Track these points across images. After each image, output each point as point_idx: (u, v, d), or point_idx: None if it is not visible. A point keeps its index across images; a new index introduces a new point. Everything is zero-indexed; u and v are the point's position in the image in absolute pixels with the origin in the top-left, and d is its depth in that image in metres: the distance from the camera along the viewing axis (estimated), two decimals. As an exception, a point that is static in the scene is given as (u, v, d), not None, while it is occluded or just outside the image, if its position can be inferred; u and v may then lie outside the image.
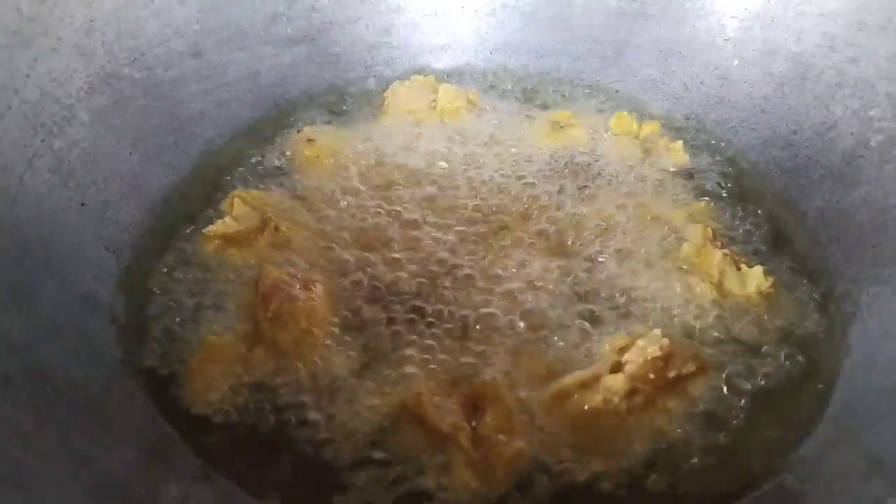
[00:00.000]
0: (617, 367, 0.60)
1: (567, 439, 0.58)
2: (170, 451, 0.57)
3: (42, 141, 0.69)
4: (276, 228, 0.71)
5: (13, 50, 0.68)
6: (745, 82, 0.89)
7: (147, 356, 0.63)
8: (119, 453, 0.54)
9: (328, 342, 0.63)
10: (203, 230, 0.72)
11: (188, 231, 0.74)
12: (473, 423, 0.58)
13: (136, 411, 0.59)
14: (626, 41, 0.97)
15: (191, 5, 0.87)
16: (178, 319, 0.66)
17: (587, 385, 0.60)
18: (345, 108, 0.93)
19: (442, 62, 1.01)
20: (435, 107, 0.90)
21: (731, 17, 0.91)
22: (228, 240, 0.71)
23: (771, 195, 0.82)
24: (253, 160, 0.84)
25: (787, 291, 0.70)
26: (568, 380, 0.60)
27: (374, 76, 0.98)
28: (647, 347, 0.60)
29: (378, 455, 0.57)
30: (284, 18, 0.94)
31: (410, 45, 1.00)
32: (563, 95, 0.96)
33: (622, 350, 0.61)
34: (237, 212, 0.73)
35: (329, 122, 0.90)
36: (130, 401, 0.60)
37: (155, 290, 0.69)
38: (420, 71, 0.98)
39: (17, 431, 0.48)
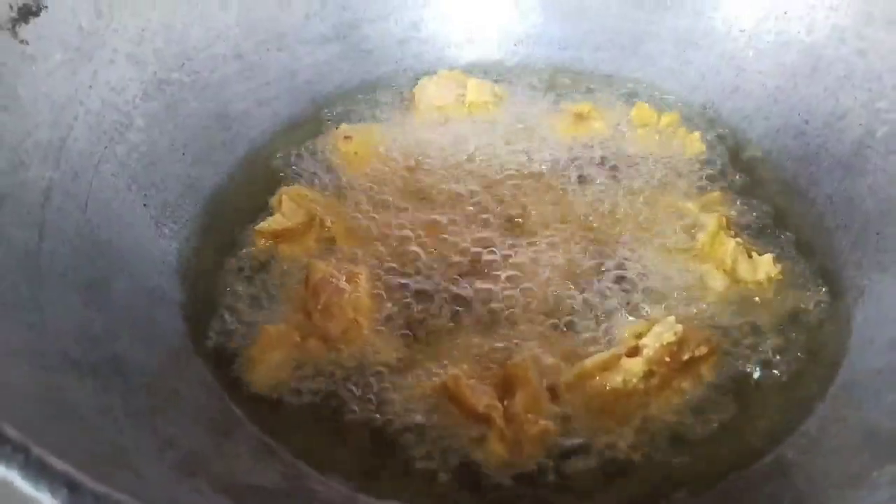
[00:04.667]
0: (635, 351, 0.66)
1: (590, 416, 0.65)
2: (238, 431, 0.64)
3: (105, 148, 0.76)
4: (322, 225, 0.78)
5: (76, 64, 0.74)
6: (759, 72, 0.93)
7: (211, 345, 0.70)
8: (195, 433, 0.61)
9: (374, 331, 0.70)
10: (255, 227, 0.79)
11: (241, 227, 0.80)
12: (505, 403, 0.64)
13: (207, 395, 0.66)
14: (644, 31, 1.01)
15: (231, 10, 0.92)
16: (237, 310, 0.72)
17: (608, 367, 0.66)
18: (378, 103, 0.98)
19: (468, 55, 1.05)
20: (463, 101, 0.95)
21: (746, 7, 0.95)
22: (279, 235, 0.77)
23: (781, 183, 0.86)
24: (294, 157, 0.89)
25: (795, 277, 0.75)
26: (590, 362, 0.67)
27: (404, 70, 1.03)
28: (662, 333, 0.66)
29: (423, 430, 0.64)
30: (318, 18, 0.99)
31: (438, 39, 1.05)
32: (585, 85, 1.00)
33: (640, 335, 0.67)
34: (285, 209, 0.79)
35: (364, 119, 0.95)
36: (200, 386, 0.67)
37: (214, 283, 0.75)
38: (447, 63, 1.03)
39: (111, 417, 0.55)
